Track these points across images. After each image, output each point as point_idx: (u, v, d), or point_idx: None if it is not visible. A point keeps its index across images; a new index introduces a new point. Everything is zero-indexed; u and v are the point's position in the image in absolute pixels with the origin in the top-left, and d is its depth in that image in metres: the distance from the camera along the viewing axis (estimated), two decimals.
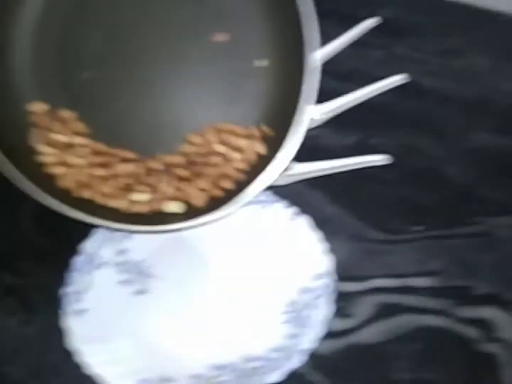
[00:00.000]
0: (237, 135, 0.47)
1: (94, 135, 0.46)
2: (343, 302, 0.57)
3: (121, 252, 0.61)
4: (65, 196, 0.44)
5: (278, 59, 0.50)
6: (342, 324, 0.56)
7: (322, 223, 0.62)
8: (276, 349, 0.53)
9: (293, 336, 0.54)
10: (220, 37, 0.49)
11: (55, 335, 0.56)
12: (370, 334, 0.55)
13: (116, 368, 0.51)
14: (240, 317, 0.56)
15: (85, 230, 0.61)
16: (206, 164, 0.46)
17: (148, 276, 0.59)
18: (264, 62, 0.50)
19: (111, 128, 0.46)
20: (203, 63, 0.48)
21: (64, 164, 0.45)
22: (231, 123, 0.48)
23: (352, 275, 0.59)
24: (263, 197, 0.63)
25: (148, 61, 0.47)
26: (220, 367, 0.52)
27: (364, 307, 0.57)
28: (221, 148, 0.47)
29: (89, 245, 0.60)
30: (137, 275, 0.59)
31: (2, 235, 0.64)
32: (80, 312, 0.55)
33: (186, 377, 0.52)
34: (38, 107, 0.45)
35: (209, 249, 0.61)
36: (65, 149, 0.45)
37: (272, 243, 0.61)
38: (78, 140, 0.45)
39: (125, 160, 0.45)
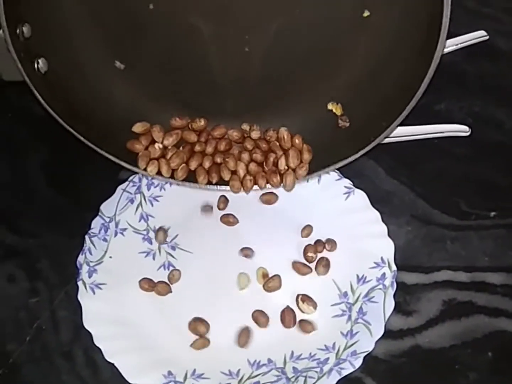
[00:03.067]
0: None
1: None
2: (404, 296, 0.48)
3: (144, 218, 0.52)
4: None
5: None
6: (403, 322, 0.47)
7: (379, 201, 0.52)
8: (326, 349, 0.44)
9: (345, 334, 0.45)
10: None
11: (64, 311, 0.48)
12: (435, 337, 0.46)
13: (137, 358, 0.43)
14: (283, 307, 0.47)
15: (104, 189, 0.53)
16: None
17: (173, 248, 0.50)
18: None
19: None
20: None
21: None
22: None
23: (415, 264, 0.50)
24: None
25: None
26: (259, 365, 0.44)
27: (429, 304, 0.48)
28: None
29: (108, 208, 0.51)
30: (161, 245, 0.50)
31: (5, 187, 0.56)
32: (95, 286, 0.47)
33: (220, 374, 0.43)
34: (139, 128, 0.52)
35: (246, 226, 0.52)
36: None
37: (323, 222, 0.51)
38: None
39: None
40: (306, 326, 0.46)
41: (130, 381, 0.42)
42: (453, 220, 0.53)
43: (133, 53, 0.50)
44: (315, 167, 0.52)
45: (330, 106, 0.52)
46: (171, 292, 0.48)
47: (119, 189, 0.52)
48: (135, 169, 0.51)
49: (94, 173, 0.56)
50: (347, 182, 0.53)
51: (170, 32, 0.48)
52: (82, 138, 0.49)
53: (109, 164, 0.56)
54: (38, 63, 0.46)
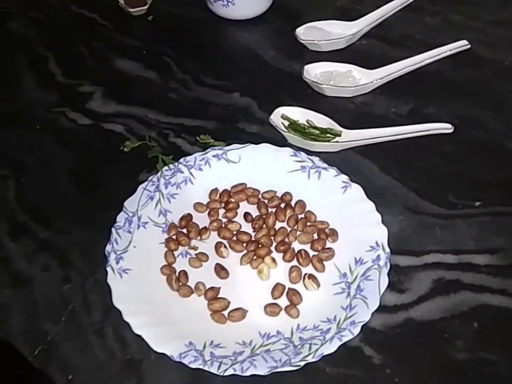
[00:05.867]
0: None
1: None
2: (398, 276, 0.54)
3: (163, 213, 0.58)
4: None
5: None
6: (397, 299, 0.52)
7: (374, 194, 0.58)
8: (328, 321, 0.50)
9: (345, 307, 0.50)
10: None
11: (94, 294, 0.53)
12: (426, 311, 0.52)
13: (160, 330, 0.49)
14: (292, 286, 0.53)
15: (124, 189, 0.59)
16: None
17: (190, 238, 0.56)
18: None
19: None
20: None
21: None
22: None
23: (407, 249, 0.56)
24: (313, 164, 0.60)
25: None
26: (269, 336, 0.50)
27: (420, 283, 0.53)
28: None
29: (131, 204, 0.57)
30: (178, 236, 0.56)
31: (38, 189, 0.62)
32: (122, 271, 0.53)
33: (234, 344, 0.49)
34: None
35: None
36: None
37: (324, 212, 0.57)
38: None
39: None
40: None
41: (155, 349, 0.47)
42: (442, 210, 0.59)
43: None
44: None
45: None
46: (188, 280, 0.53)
47: (140, 188, 0.58)
48: None
49: (117, 175, 0.62)
50: (344, 177, 0.59)
51: None
52: None
53: (130, 166, 0.63)
54: None
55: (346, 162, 0.62)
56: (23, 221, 0.59)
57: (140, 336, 0.48)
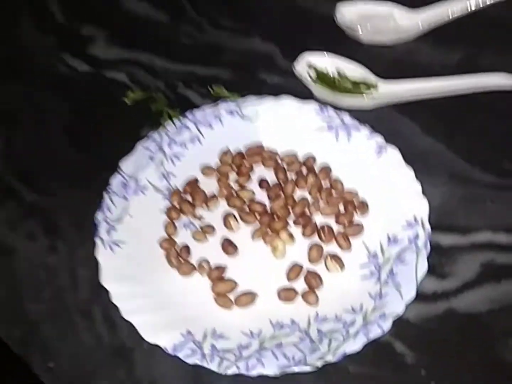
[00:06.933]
0: None
1: None
2: (439, 259, 0.45)
3: (165, 176, 0.50)
4: None
5: None
6: (436, 285, 0.44)
7: (414, 159, 0.49)
8: (352, 311, 0.42)
9: (373, 295, 0.42)
10: None
11: (83, 268, 0.46)
12: (471, 301, 0.43)
13: (154, 317, 0.42)
14: (311, 267, 0.45)
15: (125, 147, 0.51)
16: None
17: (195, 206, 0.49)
18: None
19: None
20: None
21: None
22: None
23: (451, 225, 0.47)
24: (342, 122, 0.51)
25: None
26: (282, 326, 0.42)
27: (466, 266, 0.45)
28: None
29: (128, 165, 0.50)
30: (182, 204, 0.48)
31: (29, 146, 0.55)
32: (114, 244, 0.45)
33: (240, 334, 0.42)
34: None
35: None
36: None
37: (353, 180, 0.49)
38: None
39: None
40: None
41: (147, 340, 0.40)
42: (494, 179, 0.50)
43: None
44: None
45: None
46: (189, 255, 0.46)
47: (139, 146, 0.51)
48: None
49: (117, 132, 0.54)
50: (379, 138, 0.50)
51: None
52: None
53: (132, 122, 0.55)
54: None
55: (382, 121, 0.52)
56: (8, 181, 0.52)
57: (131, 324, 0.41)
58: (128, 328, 0.42)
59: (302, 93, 0.54)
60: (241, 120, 0.52)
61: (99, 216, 0.46)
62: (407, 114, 0.54)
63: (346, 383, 0.41)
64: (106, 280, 0.43)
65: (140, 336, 0.41)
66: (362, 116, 0.52)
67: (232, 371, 0.39)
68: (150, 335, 0.41)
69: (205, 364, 0.39)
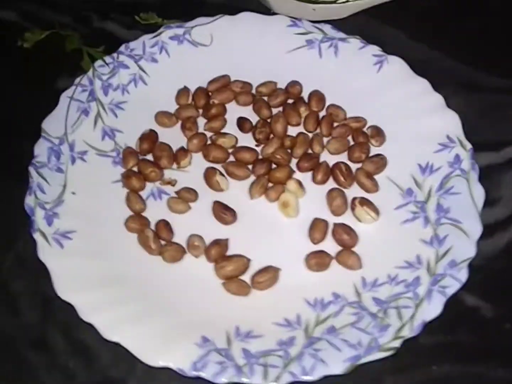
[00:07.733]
0: None
1: None
2: (481, 182, 0.36)
3: (108, 134, 0.36)
4: None
5: None
6: (489, 214, 0.35)
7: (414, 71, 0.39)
8: (410, 265, 0.31)
9: (428, 241, 0.32)
10: None
11: (19, 280, 0.32)
12: None
13: (148, 330, 0.29)
14: (338, 221, 0.34)
15: (42, 103, 0.36)
16: None
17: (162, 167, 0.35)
18: None
19: None
20: None
21: None
22: None
23: (478, 142, 0.38)
24: (323, 35, 0.40)
25: None
26: (324, 304, 0.31)
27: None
28: None
29: (55, 126, 0.35)
30: (142, 167, 0.35)
31: None
32: (61, 236, 0.31)
33: (274, 326, 0.30)
34: None
35: None
36: None
37: (354, 103, 0.38)
38: None
39: None
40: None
41: (151, 364, 0.27)
42: (508, 82, 0.42)
43: None
44: None
45: None
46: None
47: (64, 97, 0.36)
48: None
49: (20, 84, 0.39)
50: (375, 49, 0.39)
51: None
52: None
53: (39, 70, 0.40)
54: None
55: (360, 32, 0.42)
56: None
57: (119, 344, 0.28)
58: (112, 353, 0.29)
59: (255, 11, 0.42)
60: (193, 47, 0.39)
61: (29, 200, 0.32)
62: (388, 20, 0.44)
63: (423, 360, 0.31)
64: (64, 289, 0.29)
65: (137, 360, 0.28)
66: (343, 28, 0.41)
67: (285, 380, 0.27)
68: (152, 357, 0.28)
69: (244, 380, 0.27)
